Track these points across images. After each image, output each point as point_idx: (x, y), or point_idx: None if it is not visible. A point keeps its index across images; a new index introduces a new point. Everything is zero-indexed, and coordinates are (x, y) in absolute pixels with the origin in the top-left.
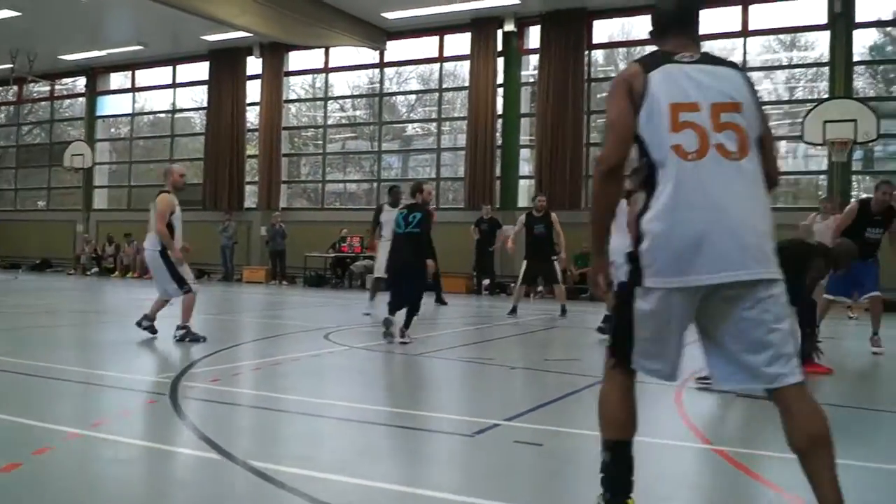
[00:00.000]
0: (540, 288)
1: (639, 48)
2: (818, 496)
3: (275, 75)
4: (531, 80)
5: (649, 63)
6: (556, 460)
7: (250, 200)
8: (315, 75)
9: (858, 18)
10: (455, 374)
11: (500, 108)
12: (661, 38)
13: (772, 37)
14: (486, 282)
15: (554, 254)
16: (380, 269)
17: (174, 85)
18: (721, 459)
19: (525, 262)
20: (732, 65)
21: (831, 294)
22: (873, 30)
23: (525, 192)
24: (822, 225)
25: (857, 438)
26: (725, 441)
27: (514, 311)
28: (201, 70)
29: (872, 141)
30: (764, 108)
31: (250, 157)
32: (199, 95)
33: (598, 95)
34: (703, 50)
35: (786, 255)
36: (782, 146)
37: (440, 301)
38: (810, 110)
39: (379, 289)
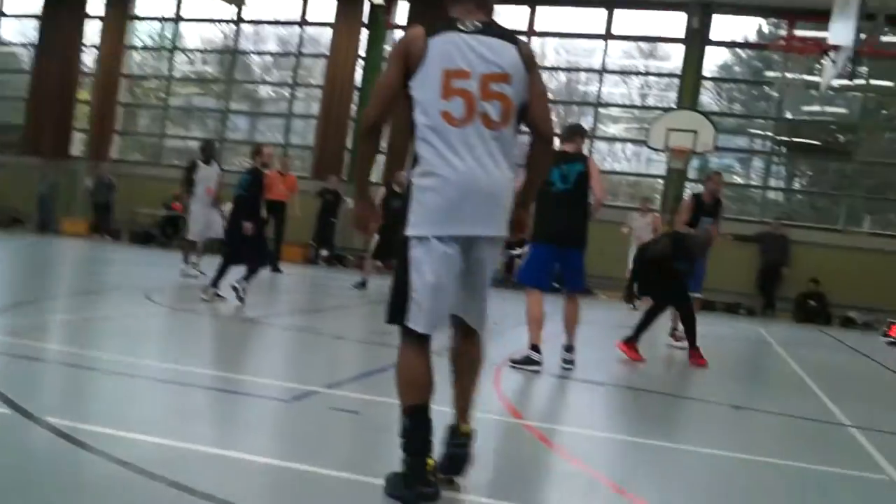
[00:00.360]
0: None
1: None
2: (458, 406)
3: (119, 17)
4: None
5: (431, 28)
6: (371, 429)
7: (77, 149)
8: (164, 23)
9: (713, 37)
10: (280, 341)
11: (358, 81)
12: (451, 4)
13: (633, 43)
14: (325, 252)
15: None
16: (193, 231)
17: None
18: (529, 433)
19: (378, 237)
20: (511, 37)
21: None
22: (725, 49)
23: (377, 167)
24: (642, 222)
25: (676, 425)
26: (535, 417)
27: (363, 284)
28: (34, 2)
29: (709, 152)
30: (544, 76)
31: (82, 102)
32: (31, 31)
33: None
34: (491, 18)
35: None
36: (629, 148)
37: (276, 269)
38: (657, 117)
39: (192, 249)
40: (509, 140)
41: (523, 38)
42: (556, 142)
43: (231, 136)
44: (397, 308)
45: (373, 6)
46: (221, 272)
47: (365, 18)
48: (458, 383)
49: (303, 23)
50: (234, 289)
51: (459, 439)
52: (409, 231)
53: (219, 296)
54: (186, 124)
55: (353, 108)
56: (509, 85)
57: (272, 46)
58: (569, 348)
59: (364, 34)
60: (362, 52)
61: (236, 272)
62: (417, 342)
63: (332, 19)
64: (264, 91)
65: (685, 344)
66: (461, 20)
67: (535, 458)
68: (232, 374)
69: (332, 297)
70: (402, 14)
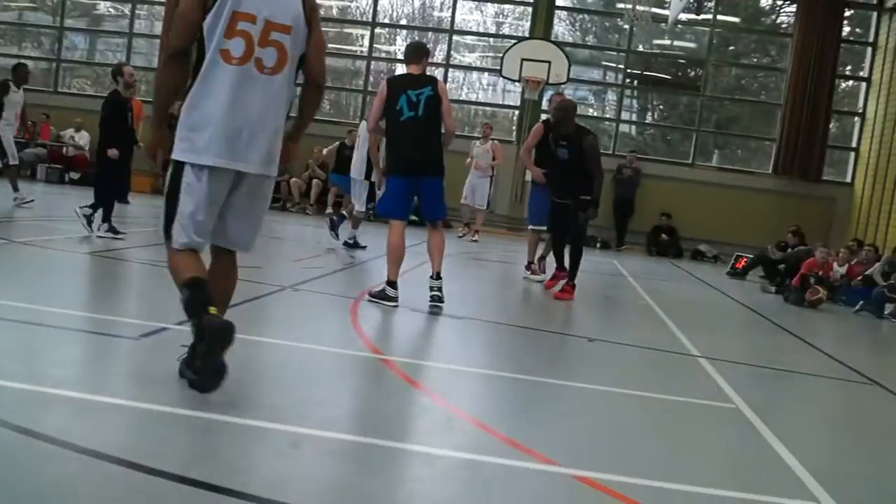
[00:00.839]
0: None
1: None
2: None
3: None
4: None
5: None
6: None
7: None
8: None
9: None
10: (131, 277)
11: None
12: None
13: None
14: None
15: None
16: (13, 154)
17: None
18: (388, 369)
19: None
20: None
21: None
22: None
23: None
24: (482, 149)
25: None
26: (394, 352)
27: None
28: None
29: (563, 83)
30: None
31: None
32: None
33: None
34: None
35: None
36: (484, 78)
37: (123, 199)
38: (511, 47)
39: (17, 177)
40: (281, 86)
41: None
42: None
43: (68, 55)
44: (166, 228)
45: None
46: (107, 207)
47: None
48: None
49: None
50: (85, 216)
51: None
52: (176, 155)
53: (117, 231)
54: (19, 42)
55: None
56: (289, 35)
57: None
58: (436, 276)
59: None
60: None
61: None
62: (182, 252)
63: None
64: (103, 7)
65: (542, 277)
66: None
67: (395, 393)
68: (79, 311)
69: None
70: None
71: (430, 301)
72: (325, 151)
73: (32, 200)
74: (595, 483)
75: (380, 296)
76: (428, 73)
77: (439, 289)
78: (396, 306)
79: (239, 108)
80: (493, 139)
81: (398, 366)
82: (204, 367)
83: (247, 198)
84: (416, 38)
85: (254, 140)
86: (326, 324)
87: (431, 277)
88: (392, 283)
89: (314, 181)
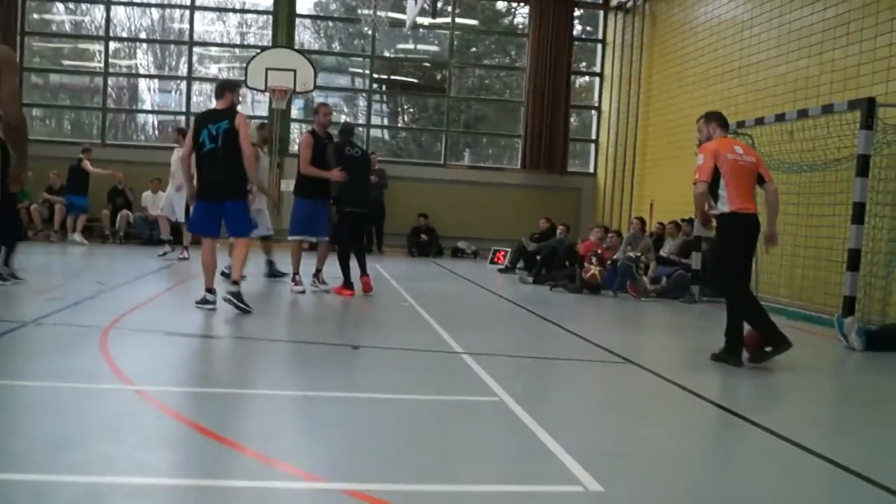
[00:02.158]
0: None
1: None
2: None
3: None
4: None
5: None
6: None
7: None
8: None
9: None
10: None
11: None
12: None
13: None
14: None
15: None
16: None
17: None
18: (139, 398)
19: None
20: None
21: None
22: None
23: None
24: (176, 155)
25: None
26: (146, 380)
27: None
28: None
29: (310, 91)
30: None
31: None
32: None
33: (36, 16)
34: None
35: None
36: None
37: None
38: (254, 57)
39: None
40: None
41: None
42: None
43: None
44: None
45: None
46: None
47: None
48: None
49: None
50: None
51: None
52: None
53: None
54: None
55: None
56: None
57: None
58: (233, 282)
59: None
60: None
61: None
62: None
63: None
64: None
65: (327, 287)
66: None
67: (149, 424)
68: None
69: None
70: None
71: (226, 299)
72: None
73: None
74: (364, 495)
75: (202, 301)
76: (230, 107)
77: (236, 294)
78: (214, 309)
79: None
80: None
81: (151, 394)
82: None
83: None
84: (158, 50)
85: None
86: (74, 358)
87: (232, 282)
88: (209, 290)
89: (56, 206)
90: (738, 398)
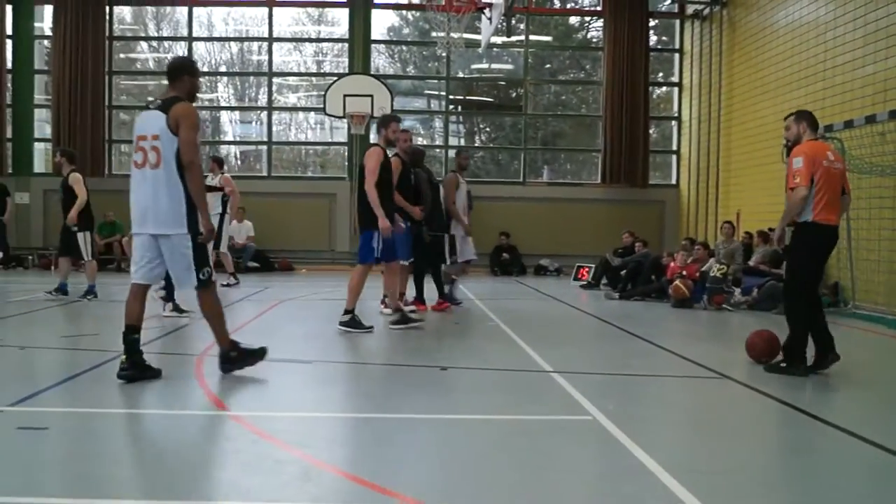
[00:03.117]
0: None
1: (168, 8)
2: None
3: None
4: (48, 32)
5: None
6: (63, 443)
7: None
8: None
9: (376, 0)
10: None
11: (10, 63)
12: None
13: (301, 10)
14: None
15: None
16: None
17: None
18: (236, 424)
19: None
20: (166, 108)
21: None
22: (391, 12)
23: (42, 155)
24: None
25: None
26: (241, 406)
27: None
28: None
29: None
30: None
31: None
32: None
33: (122, 56)
34: (173, 93)
35: None
36: (311, 117)
37: None
38: (332, 84)
39: None
40: (163, 176)
41: (180, 104)
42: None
43: None
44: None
45: None
46: None
47: None
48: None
49: None
50: None
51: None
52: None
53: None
54: None
55: (8, 91)
56: (159, 141)
57: None
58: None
59: (9, 11)
60: (9, 29)
61: None
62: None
63: None
64: None
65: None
66: (153, 100)
67: (246, 448)
68: None
69: (12, 304)
70: None
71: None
72: None
73: None
74: None
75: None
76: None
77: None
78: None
79: (139, 196)
80: (222, 173)
81: (249, 420)
82: None
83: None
84: (238, 83)
85: (147, 212)
86: (170, 385)
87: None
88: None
89: None
90: (839, 411)
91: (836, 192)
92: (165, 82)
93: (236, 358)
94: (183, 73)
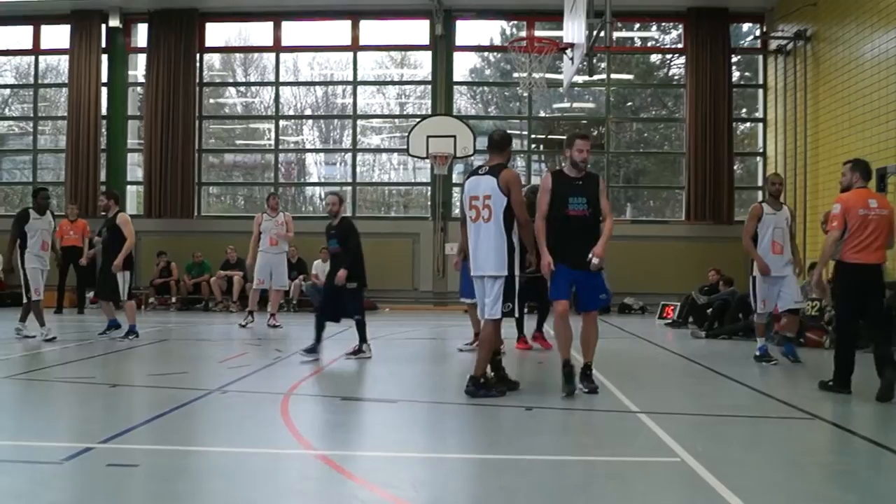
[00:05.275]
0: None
1: (256, 54)
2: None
3: None
4: (141, 80)
5: (470, 172)
6: (153, 481)
7: None
8: None
9: (458, 42)
10: (45, 395)
11: (105, 109)
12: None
13: (384, 53)
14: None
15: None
16: None
17: None
18: (322, 464)
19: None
20: (495, 172)
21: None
22: (473, 53)
23: (134, 198)
24: (272, 223)
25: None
26: (329, 445)
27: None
28: None
29: (470, 156)
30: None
31: None
32: None
33: (211, 101)
34: (497, 162)
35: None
36: (394, 158)
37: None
38: (415, 126)
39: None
40: (494, 227)
41: (505, 170)
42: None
43: None
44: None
45: (109, 29)
46: None
47: (104, 42)
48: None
49: (37, 51)
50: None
51: None
52: None
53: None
54: None
55: (103, 139)
56: (490, 199)
57: (9, 79)
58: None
59: (105, 59)
60: (105, 77)
61: None
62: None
63: (67, 45)
64: (5, 126)
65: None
66: (482, 166)
67: (331, 488)
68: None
69: (98, 343)
70: (141, 36)
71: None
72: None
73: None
74: None
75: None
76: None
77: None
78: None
79: (475, 243)
80: (281, 210)
81: (334, 459)
82: None
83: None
84: (322, 125)
85: (482, 256)
86: (257, 424)
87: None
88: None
89: (234, 277)
90: None
91: (871, 235)
92: (258, 126)
93: (484, 384)
94: (509, 145)
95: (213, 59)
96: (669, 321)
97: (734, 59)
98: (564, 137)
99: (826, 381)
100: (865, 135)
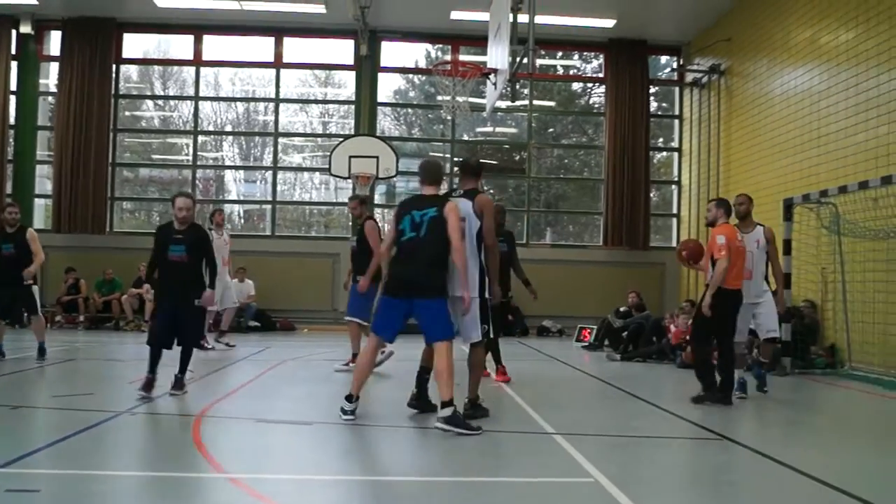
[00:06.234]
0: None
1: (175, 67)
2: None
3: None
4: (53, 89)
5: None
6: None
7: None
8: None
9: (383, 63)
10: None
11: (13, 119)
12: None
13: (308, 72)
14: None
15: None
16: None
17: None
18: (234, 487)
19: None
20: (468, 196)
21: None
22: (398, 75)
23: (42, 211)
24: (219, 242)
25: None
26: (238, 468)
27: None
28: None
29: (393, 177)
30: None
31: None
32: None
33: (127, 113)
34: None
35: None
36: (315, 177)
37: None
38: (337, 145)
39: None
40: (469, 250)
41: (480, 195)
42: None
43: None
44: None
45: (20, 35)
46: None
47: (13, 49)
48: None
49: None
50: None
51: None
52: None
53: None
54: None
55: (10, 147)
56: (464, 223)
57: None
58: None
59: (14, 66)
60: (14, 85)
61: None
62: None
63: None
64: None
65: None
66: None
67: None
68: None
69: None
70: (55, 44)
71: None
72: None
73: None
74: None
75: (343, 411)
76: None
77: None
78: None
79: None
80: (226, 229)
81: (247, 483)
82: None
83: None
84: (243, 142)
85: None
86: (167, 447)
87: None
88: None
89: (146, 296)
90: (845, 474)
91: (741, 265)
92: (175, 141)
93: (463, 416)
94: (482, 170)
95: (130, 71)
96: (586, 344)
97: (652, 89)
98: (488, 161)
99: (698, 394)
100: (774, 166)
